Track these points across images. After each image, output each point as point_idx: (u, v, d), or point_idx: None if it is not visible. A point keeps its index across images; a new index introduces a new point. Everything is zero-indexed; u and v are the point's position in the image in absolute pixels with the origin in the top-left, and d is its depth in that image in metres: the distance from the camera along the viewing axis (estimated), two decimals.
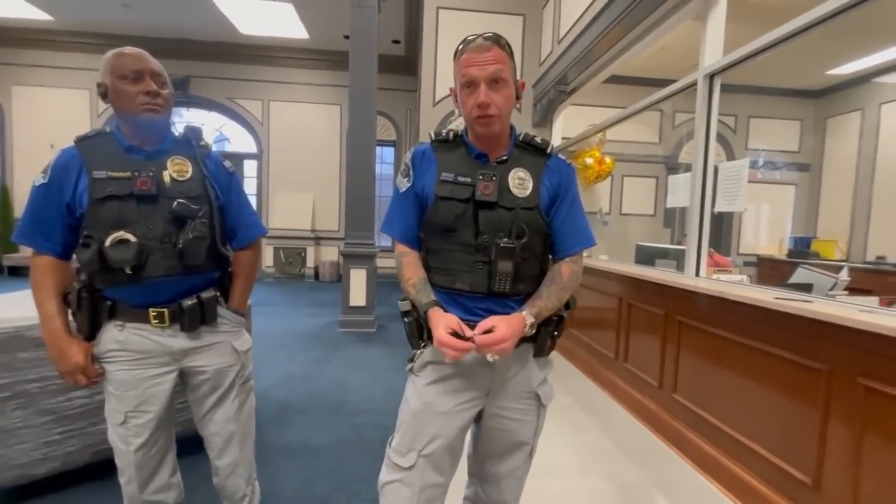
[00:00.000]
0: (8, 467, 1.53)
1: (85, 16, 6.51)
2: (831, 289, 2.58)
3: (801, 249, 5.12)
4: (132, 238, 1.03)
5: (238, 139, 7.95)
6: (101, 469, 1.69)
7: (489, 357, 0.87)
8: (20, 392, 1.54)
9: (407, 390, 1.04)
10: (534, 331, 0.94)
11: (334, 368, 3.27)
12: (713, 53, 2.32)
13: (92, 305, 1.09)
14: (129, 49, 1.09)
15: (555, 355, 3.83)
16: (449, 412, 0.97)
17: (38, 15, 6.42)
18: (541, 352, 1.01)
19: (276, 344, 3.82)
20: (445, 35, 4.57)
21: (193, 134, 1.20)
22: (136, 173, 1.05)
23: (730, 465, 1.86)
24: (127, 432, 1.12)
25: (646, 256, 3.28)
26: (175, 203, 1.07)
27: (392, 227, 1.05)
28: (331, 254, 7.84)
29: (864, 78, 5.11)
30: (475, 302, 0.97)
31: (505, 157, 1.00)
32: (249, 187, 8.07)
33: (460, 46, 0.97)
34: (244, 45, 7.34)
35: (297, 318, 4.78)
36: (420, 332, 0.98)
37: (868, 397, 1.35)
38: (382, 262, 4.47)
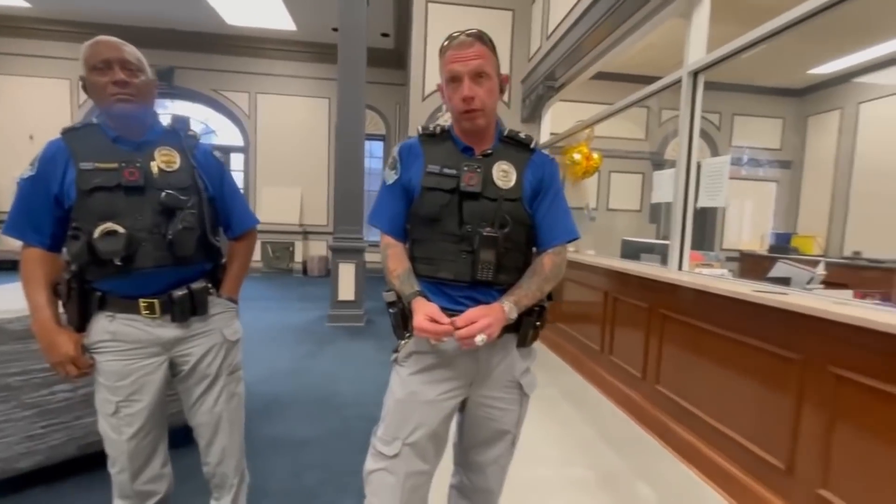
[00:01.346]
0: None
1: (64, 3, 6.35)
2: (808, 282, 2.66)
3: (782, 245, 5.25)
4: (121, 229, 1.03)
5: (224, 132, 7.84)
6: (88, 463, 1.68)
7: (477, 339, 0.88)
8: (2, 385, 1.52)
9: (392, 380, 1.06)
10: (514, 319, 0.96)
11: (323, 362, 3.28)
12: (697, 51, 2.36)
13: (81, 296, 1.09)
14: (102, 38, 1.07)
15: (542, 348, 3.85)
16: (432, 401, 1.00)
17: (15, 2, 6.25)
18: (523, 342, 1.04)
19: (264, 338, 3.80)
20: (434, 29, 4.56)
21: (181, 124, 1.20)
22: (123, 164, 1.05)
23: (709, 452, 1.92)
24: (119, 422, 1.12)
25: (631, 251, 3.33)
26: (163, 194, 1.07)
27: (379, 219, 1.06)
28: (319, 248, 7.80)
29: (843, 77, 5.24)
30: (459, 291, 0.99)
31: (490, 151, 1.03)
32: (236, 181, 7.95)
33: (445, 43, 1.00)
34: (231, 37, 7.23)
35: (285, 313, 4.76)
36: (405, 322, 1.00)
37: (838, 385, 1.41)
38: (371, 257, 4.47)
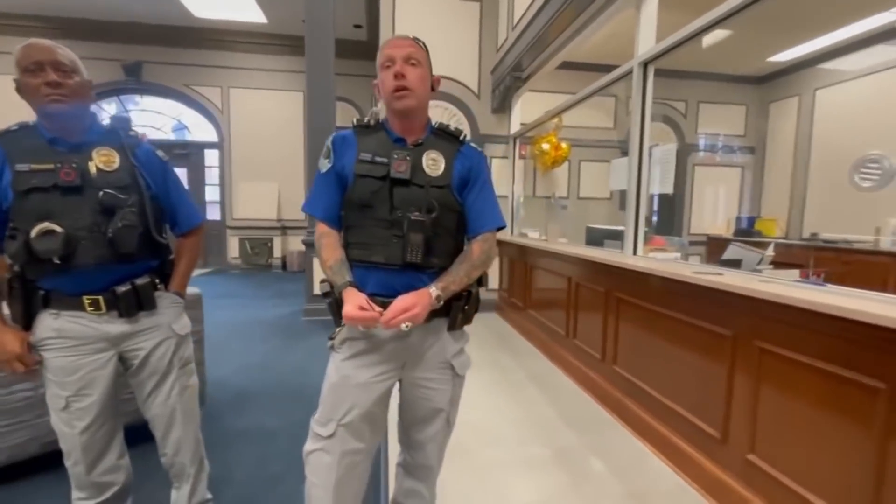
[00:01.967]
0: None
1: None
2: (758, 263, 2.78)
3: (746, 228, 5.43)
4: (58, 229, 1.05)
5: (197, 128, 7.71)
6: (52, 460, 1.70)
7: (403, 326, 0.94)
8: None
9: (328, 366, 1.11)
10: (440, 304, 1.02)
11: (295, 356, 3.32)
12: (646, 41, 2.43)
13: (24, 295, 1.12)
14: (34, 40, 1.09)
15: (513, 334, 3.94)
16: (364, 384, 1.05)
17: None
18: (453, 325, 1.10)
19: (236, 335, 3.82)
20: (403, 20, 4.56)
21: (121, 124, 1.22)
22: (59, 165, 1.07)
23: (658, 426, 2.03)
24: (70, 416, 1.16)
25: (595, 238, 3.43)
26: (101, 193, 1.09)
27: (314, 207, 1.10)
28: (298, 243, 7.77)
29: (800, 65, 5.40)
30: (391, 275, 1.04)
31: (421, 141, 1.09)
32: (211, 177, 7.89)
33: (381, 44, 1.07)
34: (200, 30, 7.09)
35: (260, 309, 4.77)
36: (339, 310, 1.04)
37: (762, 357, 1.51)
38: None
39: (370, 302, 0.97)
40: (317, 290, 4.39)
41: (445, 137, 1.12)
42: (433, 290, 1.00)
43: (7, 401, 1.63)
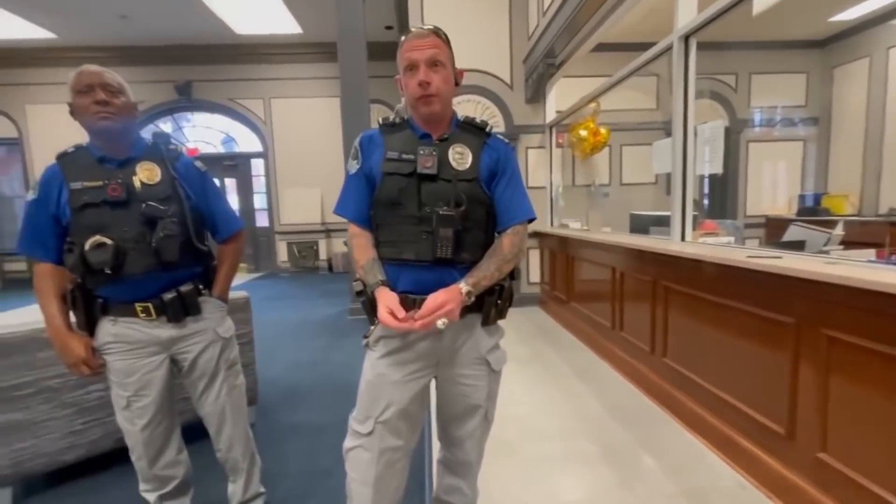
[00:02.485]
0: (39, 455, 1.70)
1: (86, 31, 6.69)
2: (825, 244, 2.55)
3: (811, 207, 4.99)
4: (108, 241, 1.13)
5: (245, 139, 8.11)
6: (123, 455, 1.85)
7: (439, 324, 0.93)
8: (43, 388, 1.70)
9: (364, 364, 1.12)
10: (472, 300, 1.00)
11: (342, 354, 3.42)
12: (687, 13, 2.28)
13: (86, 303, 1.21)
14: (86, 66, 1.18)
15: (556, 327, 3.86)
16: (399, 381, 1.06)
17: (43, 34, 6.64)
18: (487, 320, 1.08)
19: (287, 334, 3.99)
20: (431, 17, 4.55)
21: (162, 139, 1.30)
22: (107, 181, 1.15)
23: (712, 420, 1.91)
24: (132, 414, 1.26)
25: (640, 225, 3.27)
26: (144, 205, 1.17)
27: (344, 209, 1.11)
28: (342, 245, 8.00)
29: (869, 23, 4.86)
30: (422, 271, 1.03)
31: (446, 136, 1.07)
32: (258, 186, 8.27)
33: (402, 38, 1.04)
34: (241, 45, 7.43)
35: (308, 309, 4.96)
36: (373, 309, 1.05)
37: (830, 347, 1.38)
38: None
39: (398, 305, 0.96)
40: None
41: (471, 130, 1.10)
42: (463, 287, 0.98)
43: (84, 400, 1.78)
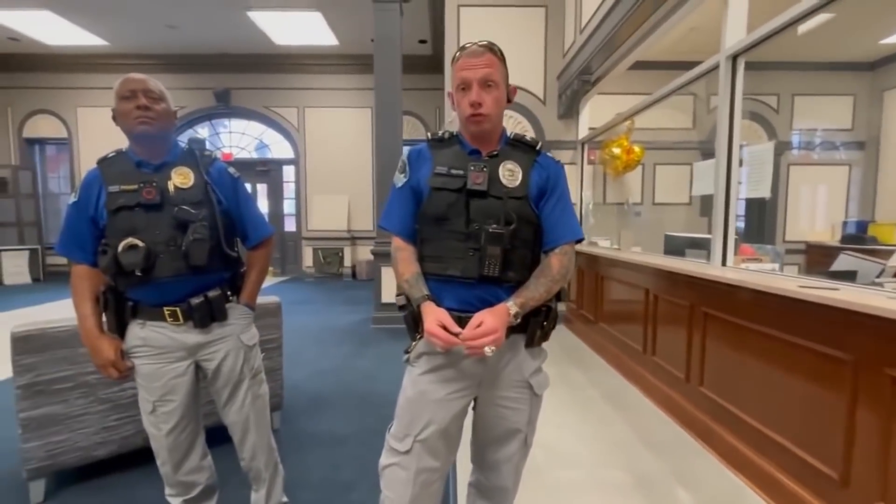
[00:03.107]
0: (73, 449, 1.73)
1: (136, 39, 7.03)
2: (878, 275, 2.42)
3: (857, 234, 4.75)
4: (140, 243, 1.15)
5: (277, 146, 8.32)
6: (153, 454, 1.87)
7: (487, 351, 0.90)
8: (82, 382, 1.73)
9: (404, 380, 1.10)
10: (518, 321, 0.97)
11: (365, 362, 3.41)
12: (736, 32, 2.22)
13: (117, 306, 1.23)
14: (131, 74, 1.21)
15: (584, 348, 3.77)
16: (441, 400, 1.03)
17: (96, 41, 7.01)
18: (531, 342, 1.05)
19: (310, 340, 4.01)
20: (467, 33, 4.60)
21: (197, 145, 1.33)
22: (142, 185, 1.17)
23: (755, 458, 1.80)
24: (157, 419, 1.26)
25: (675, 247, 3.18)
26: (176, 209, 1.18)
27: (389, 222, 1.10)
28: (367, 253, 8.05)
29: None
30: (467, 289, 1.01)
31: (496, 152, 1.06)
32: (288, 192, 8.46)
33: (457, 53, 1.04)
34: (279, 56, 7.67)
35: (332, 316, 4.99)
36: (415, 324, 1.03)
37: (895, 388, 1.28)
38: None
39: (450, 320, 0.94)
40: (385, 298, 4.52)
41: (521, 148, 1.09)
42: (511, 307, 0.96)
43: (120, 396, 1.82)
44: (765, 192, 2.04)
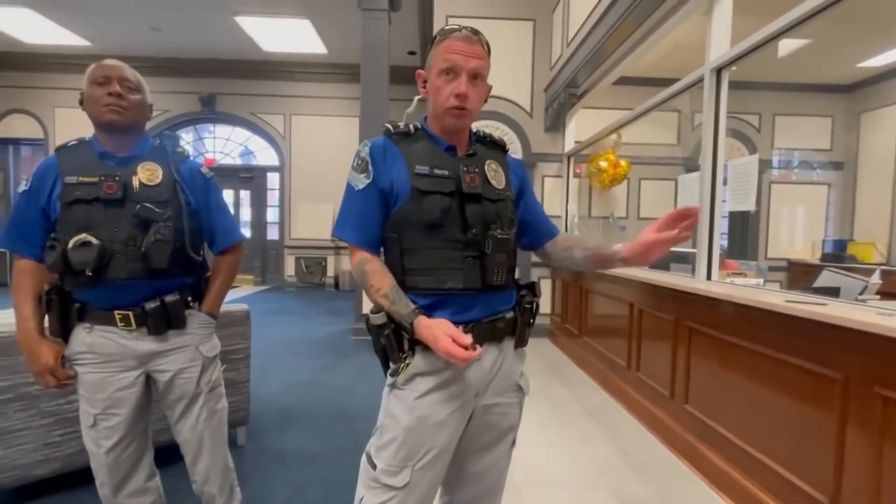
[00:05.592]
0: (10, 468, 1.58)
1: (120, 40, 6.89)
2: (861, 293, 2.40)
3: (836, 252, 4.82)
4: (94, 241, 1.04)
5: (262, 153, 8.20)
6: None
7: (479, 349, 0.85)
8: (22, 394, 1.59)
9: (391, 406, 0.94)
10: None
11: (342, 375, 3.28)
12: (719, 46, 2.22)
13: (61, 307, 1.12)
14: (108, 60, 1.13)
15: (567, 363, 3.70)
16: (444, 421, 0.91)
17: (78, 41, 6.85)
18: (521, 342, 1.01)
19: (286, 351, 3.86)
20: None
21: (170, 141, 1.24)
22: (104, 178, 1.07)
23: (742, 480, 1.73)
24: (98, 434, 1.14)
25: (660, 261, 3.14)
26: (138, 206, 1.08)
27: (346, 231, 0.94)
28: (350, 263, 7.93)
29: None
30: (467, 300, 0.92)
31: (472, 151, 0.99)
32: (272, 199, 8.30)
33: (437, 37, 0.94)
34: (266, 62, 7.60)
35: (311, 326, 4.84)
36: (400, 344, 0.90)
37: (886, 408, 1.23)
38: None
39: (459, 331, 0.83)
40: (367, 309, 4.40)
41: (493, 147, 1.04)
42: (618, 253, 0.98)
43: (65, 410, 1.67)
44: (750, 205, 2.02)
